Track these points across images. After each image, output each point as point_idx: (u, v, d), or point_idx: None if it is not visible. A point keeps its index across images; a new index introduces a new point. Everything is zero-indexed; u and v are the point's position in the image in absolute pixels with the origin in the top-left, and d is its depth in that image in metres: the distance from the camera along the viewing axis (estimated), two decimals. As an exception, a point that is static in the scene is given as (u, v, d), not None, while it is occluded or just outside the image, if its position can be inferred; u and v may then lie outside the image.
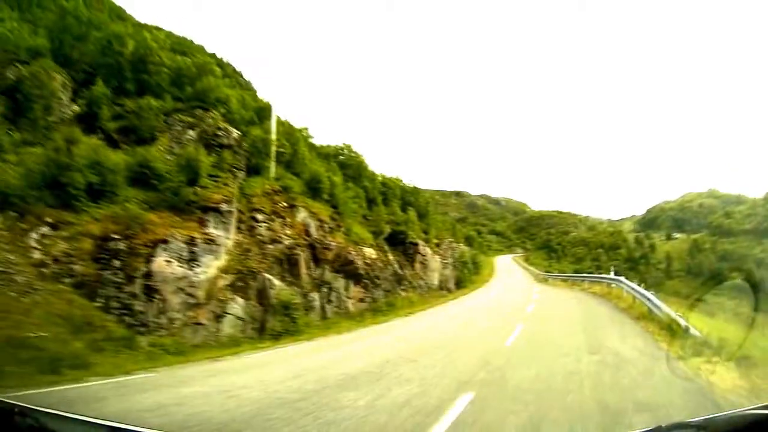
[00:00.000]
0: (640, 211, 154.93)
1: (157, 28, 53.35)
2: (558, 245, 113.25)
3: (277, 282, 22.37)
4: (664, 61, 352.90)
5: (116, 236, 18.07)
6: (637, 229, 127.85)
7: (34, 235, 17.30)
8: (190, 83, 29.03)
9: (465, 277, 54.25)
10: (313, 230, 26.98)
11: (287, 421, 7.91)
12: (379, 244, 35.11)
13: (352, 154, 42.86)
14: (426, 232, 46.92)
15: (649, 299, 20.09)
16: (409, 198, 48.40)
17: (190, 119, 25.23)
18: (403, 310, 30.99)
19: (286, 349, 17.90)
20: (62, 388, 11.05)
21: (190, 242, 19.52)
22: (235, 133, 26.39)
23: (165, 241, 18.74)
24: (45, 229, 17.60)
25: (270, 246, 23.64)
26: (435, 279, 45.11)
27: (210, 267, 19.95)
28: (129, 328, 16.49)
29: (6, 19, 31.67)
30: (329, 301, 26.04)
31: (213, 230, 20.86)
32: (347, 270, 28.12)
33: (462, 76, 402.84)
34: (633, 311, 21.61)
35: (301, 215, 27.00)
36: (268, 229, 24.16)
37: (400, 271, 36.75)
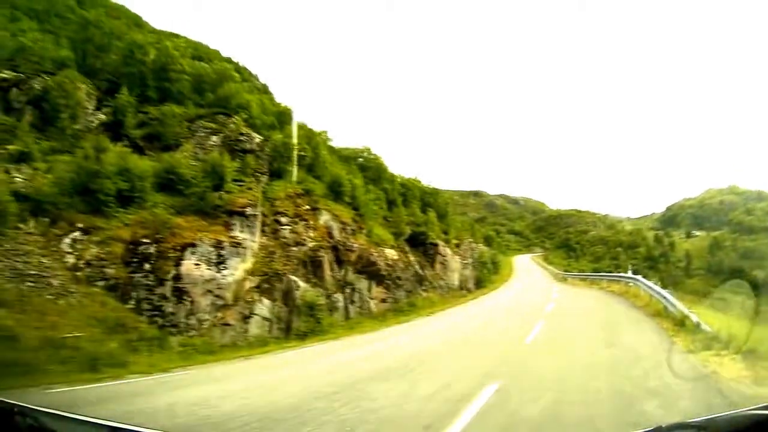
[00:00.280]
0: (659, 208, 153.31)
1: (174, 35, 54.26)
2: (577, 244, 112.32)
3: (302, 283, 22.71)
4: (685, 55, 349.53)
5: (146, 240, 18.57)
6: (657, 227, 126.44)
7: (66, 240, 17.84)
8: (210, 89, 29.54)
9: (484, 277, 54.14)
10: (335, 232, 27.30)
11: (327, 410, 8.34)
12: (400, 245, 35.34)
13: (372, 156, 43.18)
14: (446, 233, 46.97)
15: (664, 297, 20.32)
16: (428, 199, 48.46)
17: (212, 125, 25.70)
18: (425, 310, 31.19)
19: (314, 348, 18.29)
20: (106, 384, 11.57)
21: (218, 245, 19.93)
22: (258, 137, 26.80)
23: (193, 245, 19.18)
24: (77, 234, 18.14)
25: (294, 248, 24.00)
26: (455, 279, 45.21)
27: (237, 269, 20.34)
28: (160, 328, 16.96)
29: (27, 30, 32.32)
30: (352, 302, 26.32)
31: (239, 233, 21.26)
32: (369, 271, 28.41)
33: (479, 75, 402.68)
34: (649, 309, 21.84)
35: (324, 218, 27.34)
36: (292, 231, 24.51)
37: (420, 272, 36.95)
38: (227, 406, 8.87)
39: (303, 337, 20.73)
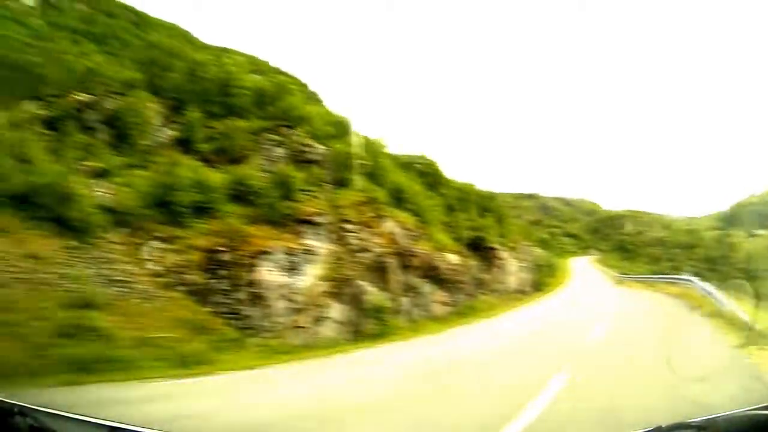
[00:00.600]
0: (720, 206, 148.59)
1: (224, 49, 55.89)
2: (632, 246, 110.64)
3: (369, 288, 23.32)
4: (747, 41, 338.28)
5: (221, 248, 19.44)
6: (717, 227, 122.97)
7: (147, 249, 18.90)
8: (270, 102, 30.45)
9: (541, 279, 54.00)
10: (399, 238, 27.82)
11: (420, 395, 9.32)
12: (460, 250, 35.66)
13: (428, 162, 43.42)
14: (503, 237, 47.10)
15: (718, 298, 20.68)
16: (485, 203, 48.61)
17: (277, 137, 26.56)
18: (485, 312, 31.49)
19: (385, 348, 18.92)
20: (204, 378, 12.49)
21: (290, 252, 20.70)
22: (320, 148, 27.56)
23: (267, 252, 19.98)
24: (156, 243, 19.20)
25: (361, 254, 24.57)
26: (512, 282, 45.25)
27: (308, 275, 21.08)
28: (238, 330, 17.77)
29: (89, 52, 33.78)
30: (416, 305, 26.81)
31: (309, 241, 22.01)
32: (432, 275, 28.85)
33: (528, 76, 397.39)
34: (704, 309, 22.11)
35: (388, 224, 27.86)
36: (358, 238, 25.09)
37: (480, 276, 37.23)
38: (335, 394, 9.79)
39: (372, 338, 21.29)
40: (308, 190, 24.38)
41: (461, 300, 31.74)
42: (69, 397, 9.50)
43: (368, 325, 22.11)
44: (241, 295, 18.67)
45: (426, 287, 28.08)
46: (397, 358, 16.43)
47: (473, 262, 37.06)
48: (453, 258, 32.83)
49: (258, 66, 47.59)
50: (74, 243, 17.25)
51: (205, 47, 54.69)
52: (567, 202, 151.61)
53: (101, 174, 21.31)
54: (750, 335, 13.52)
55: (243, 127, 26.66)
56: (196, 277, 18.55)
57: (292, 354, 17.54)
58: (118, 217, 19.15)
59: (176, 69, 31.66)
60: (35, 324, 13.14)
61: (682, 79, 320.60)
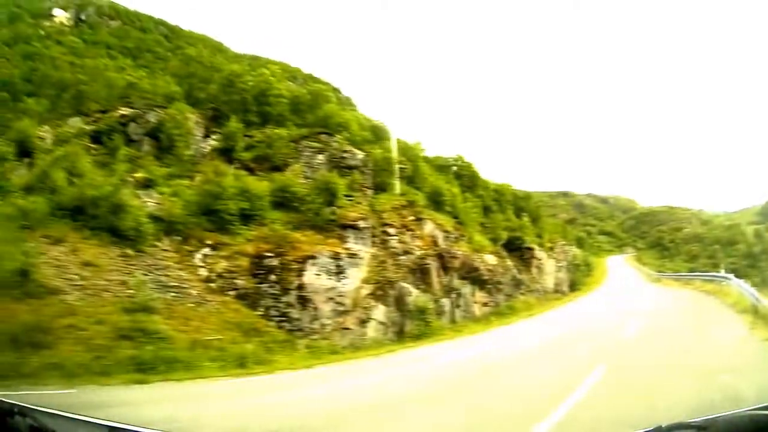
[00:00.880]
0: (760, 200, 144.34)
1: (256, 58, 56.73)
2: (670, 243, 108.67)
3: (412, 289, 23.67)
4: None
5: (269, 254, 20.02)
6: (758, 221, 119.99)
7: (198, 256, 19.60)
8: (308, 110, 31.00)
9: (578, 279, 53.70)
10: (439, 240, 28.12)
11: (473, 386, 10.04)
12: (498, 251, 35.79)
13: (465, 164, 43.66)
14: (539, 237, 47.02)
15: (754, 295, 20.73)
16: (521, 203, 48.72)
17: (317, 144, 27.08)
18: (524, 312, 31.53)
19: (431, 348, 19.21)
20: (267, 376, 13.20)
21: (335, 257, 21.18)
22: (360, 154, 27.99)
23: (313, 257, 20.50)
24: (207, 250, 19.88)
25: (403, 257, 24.97)
26: (550, 282, 45.20)
27: (353, 278, 21.52)
28: (287, 332, 18.27)
29: (125, 67, 34.75)
30: (458, 306, 27.08)
31: (353, 245, 22.48)
32: (472, 276, 29.11)
33: (562, 74, 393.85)
34: (738, 306, 22.08)
35: (428, 227, 28.20)
36: (400, 241, 25.50)
37: (518, 276, 37.28)
38: (402, 386, 10.32)
39: (416, 338, 21.58)
40: (350, 196, 24.82)
41: (501, 300, 31.89)
42: (95, 396, 10.35)
43: (411, 326, 22.44)
44: (290, 299, 19.22)
45: (466, 288, 28.33)
46: (445, 357, 16.72)
47: (511, 263, 37.15)
48: (491, 259, 33.02)
49: (292, 73, 48.42)
50: (128, 251, 18.00)
51: (238, 57, 56.07)
52: (602, 200, 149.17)
53: (148, 185, 22.14)
54: None
55: (282, 135, 27.24)
56: (245, 282, 19.16)
57: (340, 354, 17.96)
58: (168, 226, 19.91)
59: (214, 80, 32.51)
60: (97, 328, 13.81)
61: (719, 74, 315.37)
